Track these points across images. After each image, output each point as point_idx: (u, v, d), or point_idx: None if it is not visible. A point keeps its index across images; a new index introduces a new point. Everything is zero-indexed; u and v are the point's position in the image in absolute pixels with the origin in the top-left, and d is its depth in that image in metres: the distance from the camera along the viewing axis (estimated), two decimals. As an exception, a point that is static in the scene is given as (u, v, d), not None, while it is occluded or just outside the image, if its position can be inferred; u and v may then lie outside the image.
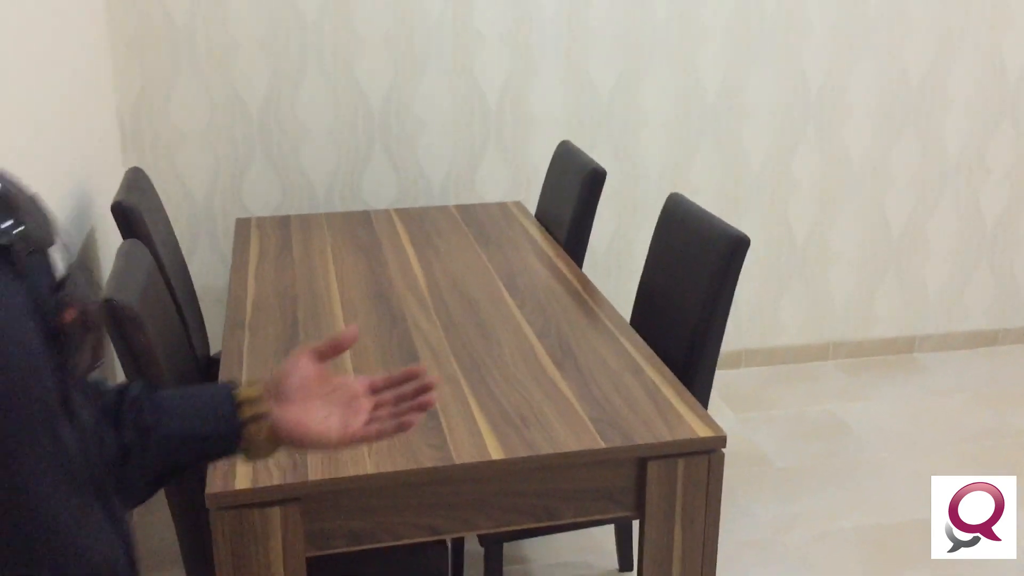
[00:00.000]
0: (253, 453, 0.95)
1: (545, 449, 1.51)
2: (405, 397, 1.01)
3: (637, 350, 1.84)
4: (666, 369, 1.76)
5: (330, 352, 0.99)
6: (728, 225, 1.91)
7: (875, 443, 2.95)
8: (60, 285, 0.65)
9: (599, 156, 3.02)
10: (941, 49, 3.19)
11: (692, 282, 1.97)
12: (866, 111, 3.21)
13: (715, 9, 3.02)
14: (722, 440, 1.55)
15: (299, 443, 0.95)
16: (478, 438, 1.54)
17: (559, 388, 1.70)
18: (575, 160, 2.56)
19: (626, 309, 2.26)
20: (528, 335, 1.92)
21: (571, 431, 1.56)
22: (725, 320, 1.91)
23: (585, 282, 2.20)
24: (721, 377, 3.31)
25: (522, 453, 1.50)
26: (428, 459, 1.48)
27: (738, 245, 1.85)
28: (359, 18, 2.85)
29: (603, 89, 3.04)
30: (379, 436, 0.99)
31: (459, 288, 2.17)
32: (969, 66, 3.23)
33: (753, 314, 3.38)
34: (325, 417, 0.96)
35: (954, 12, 3.16)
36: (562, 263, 2.31)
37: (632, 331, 1.93)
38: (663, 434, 1.55)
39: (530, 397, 1.67)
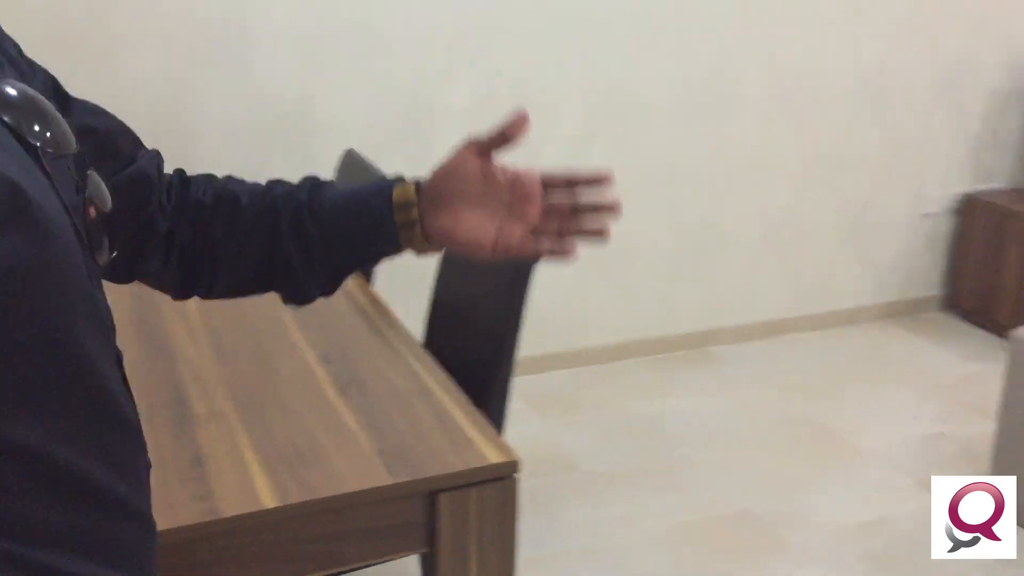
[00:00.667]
0: (418, 251, 0.92)
1: (325, 491, 1.38)
2: (582, 211, 0.89)
3: (428, 372, 1.74)
4: (457, 391, 1.67)
5: (497, 144, 0.87)
6: (517, 234, 1.84)
7: (682, 438, 2.99)
8: (81, 188, 0.70)
9: (395, 161, 2.90)
10: (725, 51, 3.27)
11: (483, 295, 1.89)
12: (660, 108, 3.25)
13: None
14: (514, 465, 1.46)
15: (453, 248, 0.90)
16: (249, 483, 1.38)
17: (342, 419, 1.57)
18: (361, 170, 2.43)
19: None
20: (309, 361, 1.78)
21: (354, 467, 1.44)
22: (518, 333, 1.83)
23: (374, 300, 2.08)
24: (528, 382, 3.27)
25: (298, 498, 1.36)
26: (189, 515, 1.31)
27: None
28: (123, 15, 2.60)
29: (401, 91, 2.92)
30: (535, 255, 0.89)
31: (232, 310, 1.99)
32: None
33: (559, 316, 3.35)
34: (480, 223, 0.87)
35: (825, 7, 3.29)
36: (350, 280, 2.18)
37: (423, 351, 1.83)
38: (454, 464, 1.45)
39: (309, 431, 1.53)
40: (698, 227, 3.45)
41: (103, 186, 0.74)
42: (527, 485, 2.69)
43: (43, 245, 0.59)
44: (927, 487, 2.72)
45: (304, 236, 0.90)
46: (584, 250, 3.14)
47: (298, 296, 0.95)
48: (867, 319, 3.81)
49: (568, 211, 0.89)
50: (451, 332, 2.02)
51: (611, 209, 0.89)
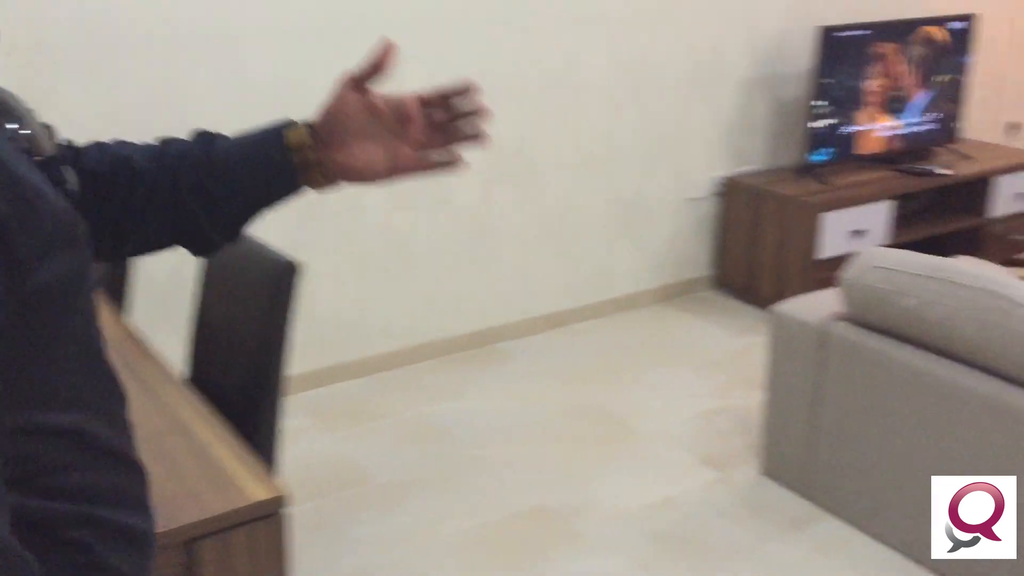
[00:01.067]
0: (316, 188, 0.97)
1: (67, 553, 1.24)
2: (459, 119, 0.97)
3: (187, 406, 1.61)
4: (220, 424, 1.56)
5: (370, 74, 0.94)
6: (275, 252, 1.75)
7: (473, 439, 2.97)
8: (62, 182, 0.78)
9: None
10: (489, 48, 3.28)
11: (244, 317, 1.78)
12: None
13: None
14: (281, 500, 1.38)
15: (351, 180, 0.97)
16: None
17: (88, 469, 1.43)
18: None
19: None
20: (50, 406, 1.61)
21: (102, 522, 1.30)
22: (284, 352, 1.74)
23: (129, 333, 1.91)
24: (315, 396, 3.17)
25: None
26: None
27: (287, 272, 1.69)
28: None
29: (142, 95, 2.73)
30: (427, 169, 0.98)
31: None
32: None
33: (342, 326, 3.26)
34: (372, 152, 0.95)
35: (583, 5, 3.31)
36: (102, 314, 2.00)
37: (181, 384, 1.70)
38: (214, 507, 1.34)
39: (50, 487, 1.38)
40: (475, 225, 3.45)
41: (75, 177, 0.83)
42: (316, 505, 2.61)
43: (84, 256, 0.69)
44: (707, 462, 2.85)
45: (205, 191, 0.94)
46: (363, 256, 3.05)
47: (205, 248, 0.99)
48: (644, 303, 3.95)
49: (448, 124, 0.98)
50: (214, 359, 1.90)
51: (482, 113, 0.98)
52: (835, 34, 3.72)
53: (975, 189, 4.09)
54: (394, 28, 3.06)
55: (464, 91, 0.97)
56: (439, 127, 0.98)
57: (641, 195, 3.83)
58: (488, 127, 0.98)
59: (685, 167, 3.92)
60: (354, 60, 0.97)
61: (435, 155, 0.98)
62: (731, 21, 3.83)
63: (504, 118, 3.37)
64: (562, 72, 3.47)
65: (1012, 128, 4.95)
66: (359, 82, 0.94)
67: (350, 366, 3.30)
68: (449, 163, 0.99)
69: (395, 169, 0.97)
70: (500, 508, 2.62)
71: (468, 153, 0.99)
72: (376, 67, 0.93)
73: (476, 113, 0.98)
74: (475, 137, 0.98)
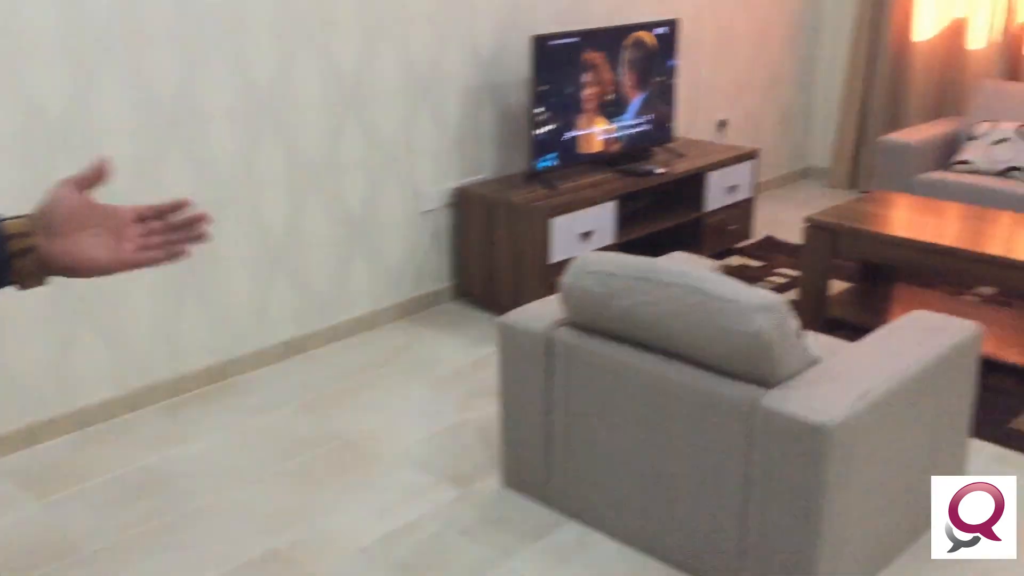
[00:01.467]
0: (25, 283, 0.98)
1: None
2: (176, 228, 1.04)
3: None
4: None
5: (91, 181, 1.00)
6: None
7: (199, 486, 2.75)
8: None
9: None
10: (194, 65, 3.07)
11: None
12: (121, 133, 2.95)
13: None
14: None
15: (70, 272, 0.99)
16: None
17: None
18: None
19: None
20: None
21: None
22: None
23: None
24: (16, 461, 2.85)
25: None
26: None
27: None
28: None
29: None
30: (150, 262, 1.04)
31: None
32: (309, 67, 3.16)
33: (42, 379, 2.93)
34: (94, 246, 0.99)
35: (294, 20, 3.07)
36: None
37: None
38: None
39: None
40: (195, 254, 3.21)
41: None
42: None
43: None
44: (450, 480, 2.79)
45: None
46: (60, 296, 2.72)
47: None
48: (385, 321, 3.86)
49: (164, 228, 1.05)
50: None
51: (201, 219, 1.06)
52: (548, 43, 3.79)
53: (691, 185, 4.31)
54: (93, 43, 2.79)
55: (178, 207, 1.05)
56: (159, 229, 1.05)
57: (372, 211, 3.74)
58: (206, 226, 1.06)
59: (415, 180, 3.86)
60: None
61: (153, 253, 1.05)
62: (447, 31, 3.81)
63: (218, 139, 3.17)
64: (273, 88, 3.31)
65: (721, 125, 5.29)
66: (79, 186, 0.99)
67: (56, 422, 2.98)
68: (169, 257, 1.05)
69: (116, 264, 1.02)
70: (229, 559, 2.43)
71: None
72: (93, 177, 1.00)
73: (194, 223, 1.06)
74: (197, 238, 1.06)
